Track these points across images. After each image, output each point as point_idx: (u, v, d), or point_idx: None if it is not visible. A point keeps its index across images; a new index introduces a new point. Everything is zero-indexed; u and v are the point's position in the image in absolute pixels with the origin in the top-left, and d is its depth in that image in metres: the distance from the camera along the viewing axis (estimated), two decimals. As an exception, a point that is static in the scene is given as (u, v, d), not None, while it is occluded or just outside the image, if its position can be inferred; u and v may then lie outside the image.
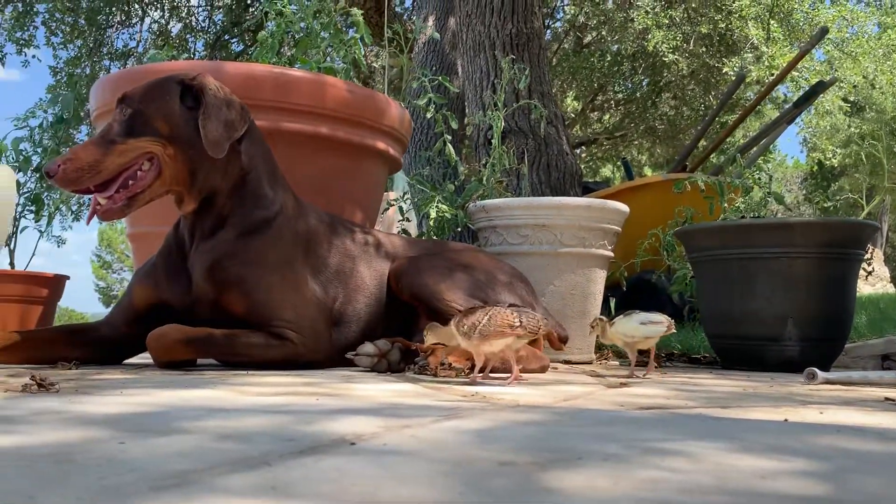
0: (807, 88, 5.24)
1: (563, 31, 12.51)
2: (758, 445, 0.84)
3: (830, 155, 17.74)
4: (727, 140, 5.78)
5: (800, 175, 23.87)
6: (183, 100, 1.78)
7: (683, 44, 10.42)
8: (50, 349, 1.81)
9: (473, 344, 1.50)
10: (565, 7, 12.30)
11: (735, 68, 10.08)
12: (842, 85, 11.95)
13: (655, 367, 2.25)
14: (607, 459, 0.73)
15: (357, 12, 2.77)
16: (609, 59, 11.72)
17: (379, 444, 0.79)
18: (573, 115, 13.25)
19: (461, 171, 3.61)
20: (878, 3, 12.99)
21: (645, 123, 12.56)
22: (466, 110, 4.78)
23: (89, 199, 1.79)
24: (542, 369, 1.91)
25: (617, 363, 2.51)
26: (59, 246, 4.03)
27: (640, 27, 10.32)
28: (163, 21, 10.91)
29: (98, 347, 1.87)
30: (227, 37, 10.79)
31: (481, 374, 1.56)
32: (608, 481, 0.64)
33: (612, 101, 13.08)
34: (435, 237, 2.86)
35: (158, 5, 10.73)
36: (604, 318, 1.85)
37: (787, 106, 6.32)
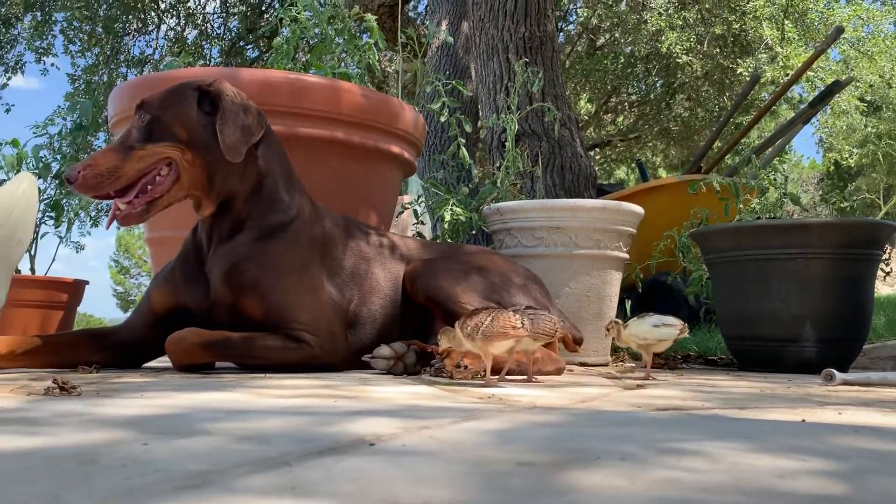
0: (822, 88, 5.20)
1: (576, 34, 12.48)
2: (775, 445, 0.84)
3: (847, 155, 17.58)
4: (742, 141, 5.74)
5: (816, 175, 23.64)
6: (200, 105, 1.80)
7: (697, 45, 10.36)
8: (70, 353, 1.84)
9: (477, 345, 1.51)
10: (578, 10, 12.27)
11: (749, 69, 10.01)
12: (858, 84, 11.83)
13: (669, 369, 2.25)
14: (624, 459, 0.73)
15: (371, 18, 2.78)
16: (622, 60, 11.67)
17: (398, 444, 0.80)
18: (587, 118, 13.21)
19: (475, 174, 3.62)
20: (893, 1, 12.87)
21: (659, 125, 12.49)
22: (480, 114, 4.78)
23: (108, 204, 1.81)
24: (558, 371, 1.91)
25: (633, 365, 2.51)
26: (77, 251, 4.06)
27: (654, 29, 10.28)
28: (179, 28, 11.00)
29: (118, 351, 1.89)
30: (242, 43, 10.86)
31: (496, 377, 1.56)
32: (626, 481, 0.64)
33: (626, 103, 13.02)
34: (449, 240, 2.87)
35: (174, 13, 10.82)
36: (619, 321, 1.85)
37: (802, 106, 6.27)
